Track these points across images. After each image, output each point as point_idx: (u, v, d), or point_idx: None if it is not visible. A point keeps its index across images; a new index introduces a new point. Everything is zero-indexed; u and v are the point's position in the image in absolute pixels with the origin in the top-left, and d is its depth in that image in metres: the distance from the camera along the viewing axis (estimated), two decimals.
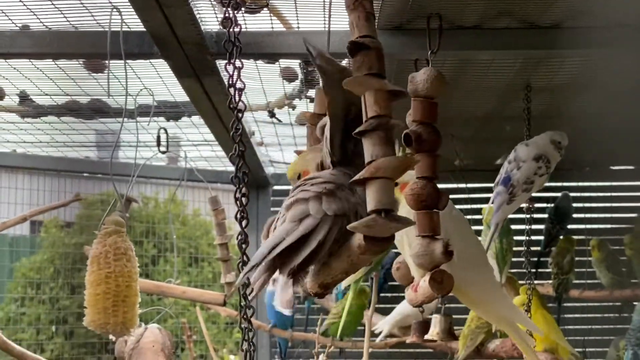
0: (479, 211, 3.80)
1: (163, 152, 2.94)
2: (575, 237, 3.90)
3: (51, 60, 2.47)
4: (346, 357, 3.97)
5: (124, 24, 2.13)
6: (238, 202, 1.04)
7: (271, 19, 2.25)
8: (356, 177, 1.10)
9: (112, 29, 2.11)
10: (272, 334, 3.99)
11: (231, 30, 1.13)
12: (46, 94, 2.93)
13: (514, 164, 2.58)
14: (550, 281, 3.84)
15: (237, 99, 1.11)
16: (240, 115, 1.10)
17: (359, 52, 1.15)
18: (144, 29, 2.08)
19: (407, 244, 1.68)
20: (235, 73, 1.15)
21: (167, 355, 2.60)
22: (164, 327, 5.41)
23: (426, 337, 2.16)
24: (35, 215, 3.24)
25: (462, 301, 1.86)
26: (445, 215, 1.51)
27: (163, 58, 2.25)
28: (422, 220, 1.43)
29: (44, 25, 2.25)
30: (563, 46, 2.28)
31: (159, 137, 2.90)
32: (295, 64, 2.61)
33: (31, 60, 2.47)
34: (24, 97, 2.97)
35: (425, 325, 2.21)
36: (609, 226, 4.22)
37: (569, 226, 4.00)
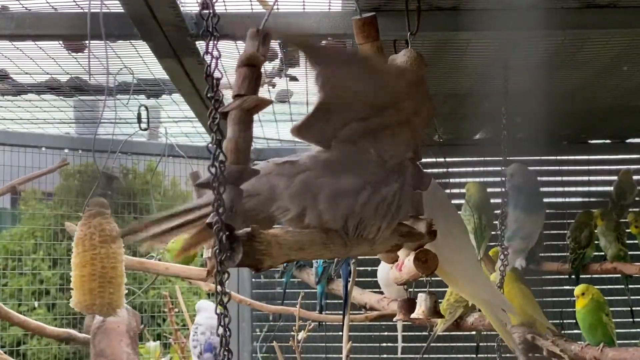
0: (458, 185, 3.84)
1: (144, 130, 2.96)
2: (550, 211, 3.89)
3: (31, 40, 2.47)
4: (326, 330, 3.99)
5: (103, 5, 2.14)
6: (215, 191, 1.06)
7: (251, 1, 2.26)
8: None
9: (92, 11, 2.12)
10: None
11: (209, 21, 1.14)
12: (26, 73, 2.93)
13: None
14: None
15: (214, 89, 1.12)
16: (217, 105, 1.12)
17: None
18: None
19: None
20: (213, 63, 1.15)
21: (131, 337, 2.61)
22: (145, 299, 5.42)
23: (412, 316, 2.15)
24: (24, 183, 3.31)
25: (442, 278, 1.88)
26: (429, 195, 1.53)
27: (143, 39, 2.26)
28: None
29: (22, 6, 2.24)
30: (539, 27, 2.30)
31: (139, 115, 2.91)
32: (274, 44, 2.62)
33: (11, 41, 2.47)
34: (3, 76, 2.97)
35: (411, 304, 2.20)
36: (585, 199, 4.26)
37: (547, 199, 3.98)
